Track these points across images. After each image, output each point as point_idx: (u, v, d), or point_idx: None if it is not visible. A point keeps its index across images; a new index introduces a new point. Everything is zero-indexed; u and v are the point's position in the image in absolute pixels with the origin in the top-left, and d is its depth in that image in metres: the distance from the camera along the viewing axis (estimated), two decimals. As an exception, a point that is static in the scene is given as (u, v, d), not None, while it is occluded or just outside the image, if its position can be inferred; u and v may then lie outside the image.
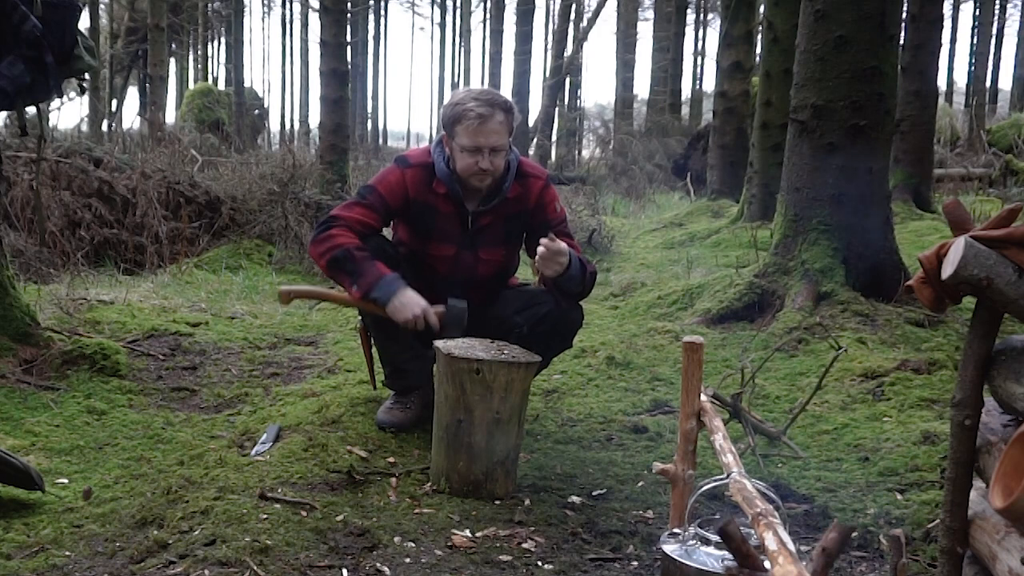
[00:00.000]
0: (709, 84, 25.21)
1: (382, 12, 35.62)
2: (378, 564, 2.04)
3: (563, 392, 3.50)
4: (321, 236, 2.77)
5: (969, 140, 15.10)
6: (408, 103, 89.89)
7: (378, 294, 2.68)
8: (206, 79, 28.30)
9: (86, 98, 17.42)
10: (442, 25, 36.29)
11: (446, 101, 2.87)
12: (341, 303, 2.73)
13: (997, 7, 28.17)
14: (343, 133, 8.60)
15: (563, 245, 2.66)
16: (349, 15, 9.13)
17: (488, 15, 25.14)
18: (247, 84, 21.81)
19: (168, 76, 18.12)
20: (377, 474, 2.58)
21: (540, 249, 2.64)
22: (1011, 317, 1.55)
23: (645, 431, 3.08)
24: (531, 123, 18.23)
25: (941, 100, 12.21)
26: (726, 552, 1.56)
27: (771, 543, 1.27)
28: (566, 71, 20.65)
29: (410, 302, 2.68)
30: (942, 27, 8.17)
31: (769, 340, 3.94)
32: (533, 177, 2.92)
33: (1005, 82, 32.67)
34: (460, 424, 2.47)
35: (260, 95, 25.28)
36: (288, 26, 35.42)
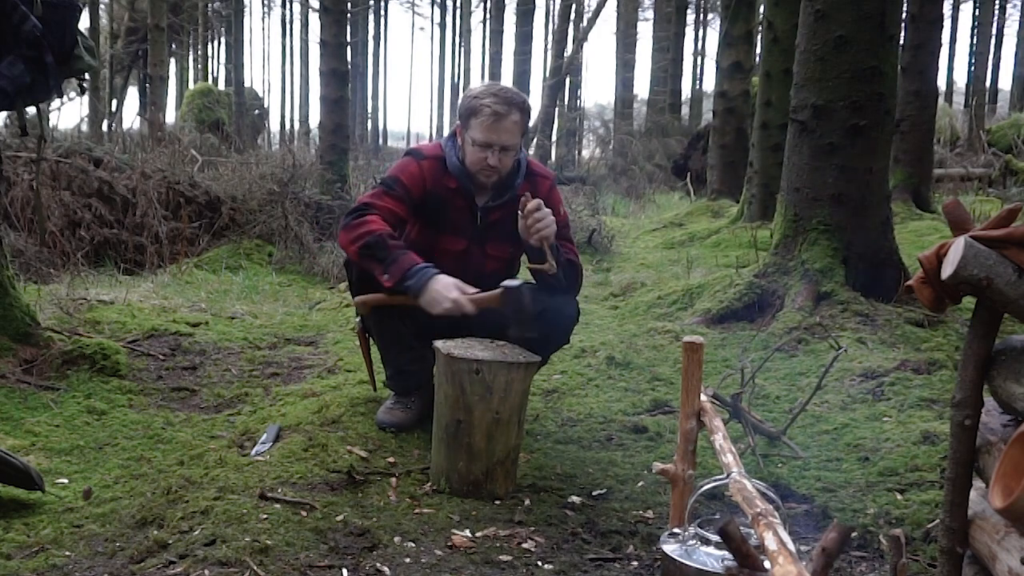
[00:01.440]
0: (709, 84, 25.24)
1: (382, 12, 35.71)
2: (378, 564, 2.04)
3: (563, 392, 3.50)
4: (355, 222, 2.71)
5: (969, 140, 15.12)
6: (408, 103, 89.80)
7: (411, 283, 2.61)
8: (206, 79, 28.32)
9: (86, 98, 17.43)
10: (442, 25, 36.35)
11: (466, 92, 2.88)
12: (407, 303, 2.70)
13: (997, 7, 28.19)
14: (343, 133, 8.60)
15: (539, 202, 2.67)
16: (349, 15, 9.13)
17: (488, 15, 25.18)
18: (247, 84, 21.86)
19: (168, 76, 18.11)
20: (377, 474, 2.58)
21: (528, 208, 2.64)
22: (1011, 317, 1.55)
23: (645, 431, 3.08)
24: (531, 123, 18.22)
25: (941, 100, 12.22)
26: (726, 552, 1.57)
27: (771, 543, 1.27)
28: (566, 71, 20.64)
29: (442, 294, 2.59)
30: (942, 27, 8.18)
31: (769, 340, 3.93)
32: (541, 176, 2.95)
33: (1005, 82, 32.76)
34: (460, 424, 2.47)
35: (260, 95, 25.31)
36: (288, 26, 35.54)
